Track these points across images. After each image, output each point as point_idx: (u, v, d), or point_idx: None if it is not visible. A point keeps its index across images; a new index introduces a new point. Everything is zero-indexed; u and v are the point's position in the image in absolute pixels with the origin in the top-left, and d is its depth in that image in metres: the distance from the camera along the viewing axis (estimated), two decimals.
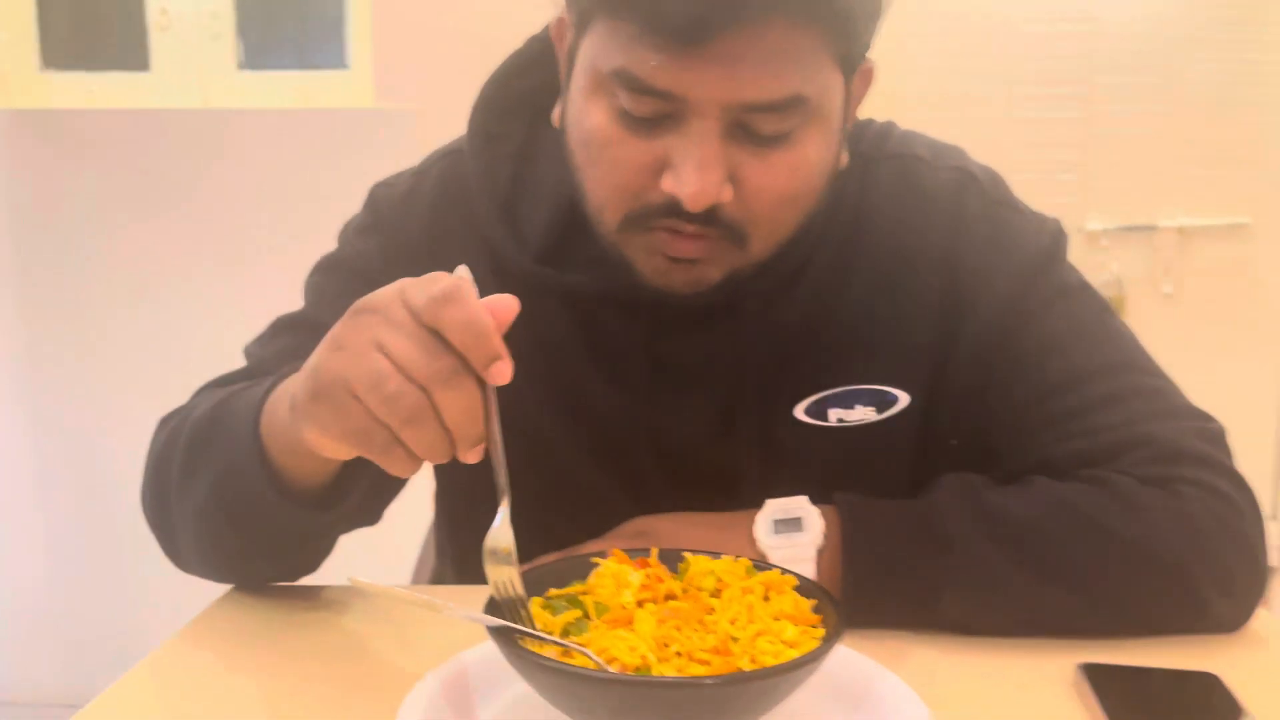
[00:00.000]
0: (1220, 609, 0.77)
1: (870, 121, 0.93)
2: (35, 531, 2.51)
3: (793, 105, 0.71)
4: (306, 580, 0.88)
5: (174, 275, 2.39)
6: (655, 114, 0.72)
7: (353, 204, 0.99)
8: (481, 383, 0.60)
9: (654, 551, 0.67)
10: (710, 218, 0.73)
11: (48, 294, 2.42)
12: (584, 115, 0.75)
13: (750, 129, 0.72)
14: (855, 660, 0.67)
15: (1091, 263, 2.39)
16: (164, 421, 0.87)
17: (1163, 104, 2.34)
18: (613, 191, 0.76)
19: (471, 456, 0.61)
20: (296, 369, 0.70)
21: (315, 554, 0.85)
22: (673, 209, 0.73)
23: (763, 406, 0.87)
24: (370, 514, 0.88)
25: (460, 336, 0.58)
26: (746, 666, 0.57)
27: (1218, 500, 0.77)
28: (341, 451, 0.67)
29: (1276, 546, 2.60)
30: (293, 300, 0.95)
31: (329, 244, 0.97)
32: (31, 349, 2.44)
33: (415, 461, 0.61)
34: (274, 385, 0.75)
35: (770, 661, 0.57)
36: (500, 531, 0.62)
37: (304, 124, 2.36)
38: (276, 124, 2.36)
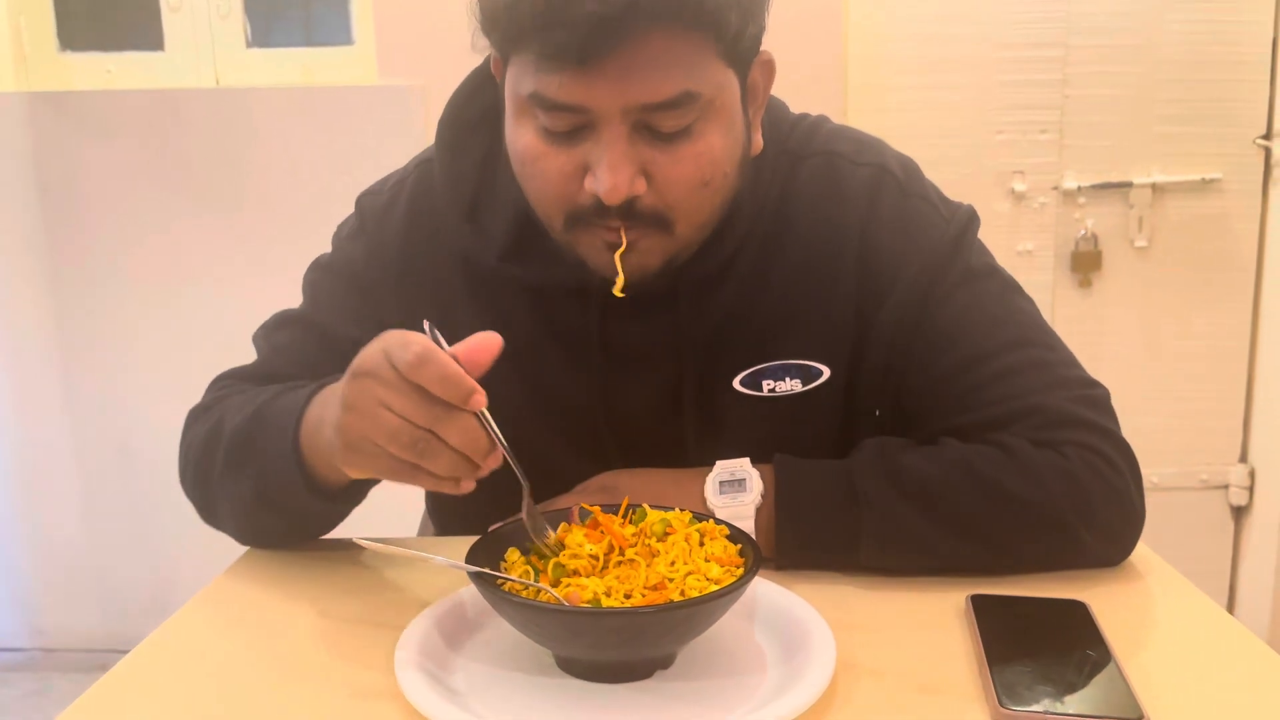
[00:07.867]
0: (1098, 549, 0.87)
1: (804, 117, 1.01)
2: (73, 492, 2.59)
3: (685, 102, 0.80)
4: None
5: (193, 250, 2.45)
6: (570, 127, 0.82)
7: (359, 177, 1.08)
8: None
9: (614, 506, 0.79)
10: (630, 210, 0.83)
11: (74, 268, 2.48)
12: (516, 136, 0.86)
13: (653, 128, 0.81)
14: (778, 593, 0.79)
15: (1068, 219, 2.47)
16: (194, 414, 0.98)
17: (1137, 65, 2.38)
18: (549, 199, 0.86)
19: (488, 465, 0.73)
20: (329, 383, 0.83)
21: (332, 523, 0.97)
22: (600, 207, 0.83)
23: (704, 380, 0.97)
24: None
25: (439, 389, 0.70)
26: (676, 599, 0.69)
27: (1097, 458, 0.87)
28: (380, 477, 0.80)
29: (1246, 487, 2.70)
30: (302, 270, 1.05)
31: (338, 216, 1.05)
32: (60, 320, 2.50)
33: (445, 481, 0.74)
34: (308, 400, 0.86)
35: (694, 594, 0.69)
36: (530, 513, 0.77)
37: (311, 100, 2.39)
38: (285, 101, 2.40)
